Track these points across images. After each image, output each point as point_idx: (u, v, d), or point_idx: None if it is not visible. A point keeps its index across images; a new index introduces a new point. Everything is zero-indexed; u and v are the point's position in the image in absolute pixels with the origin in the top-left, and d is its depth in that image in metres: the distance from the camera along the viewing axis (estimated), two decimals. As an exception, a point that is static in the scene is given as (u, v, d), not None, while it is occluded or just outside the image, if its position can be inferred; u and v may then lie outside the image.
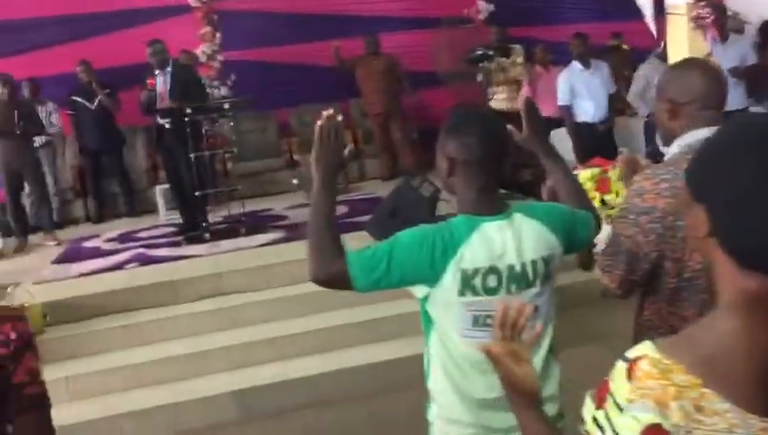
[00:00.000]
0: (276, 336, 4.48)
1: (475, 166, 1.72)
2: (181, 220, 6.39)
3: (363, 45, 8.17)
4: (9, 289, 4.40)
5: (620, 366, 0.96)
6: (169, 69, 6.04)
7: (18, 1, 8.29)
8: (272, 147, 8.68)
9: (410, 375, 4.14)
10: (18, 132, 6.50)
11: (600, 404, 0.97)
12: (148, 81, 5.98)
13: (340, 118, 1.82)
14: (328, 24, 8.87)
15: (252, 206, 7.06)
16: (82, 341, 4.45)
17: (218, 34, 8.57)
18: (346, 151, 1.82)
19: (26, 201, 7.04)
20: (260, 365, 4.34)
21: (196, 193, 5.91)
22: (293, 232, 5.88)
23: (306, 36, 8.83)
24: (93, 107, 7.68)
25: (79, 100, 7.71)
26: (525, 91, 6.72)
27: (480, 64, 6.25)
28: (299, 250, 5.27)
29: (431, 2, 9.03)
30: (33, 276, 5.43)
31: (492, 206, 1.74)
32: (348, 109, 9.11)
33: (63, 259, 5.95)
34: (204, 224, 6.01)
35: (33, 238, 6.82)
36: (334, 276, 1.71)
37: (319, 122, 1.79)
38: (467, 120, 1.78)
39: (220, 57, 8.59)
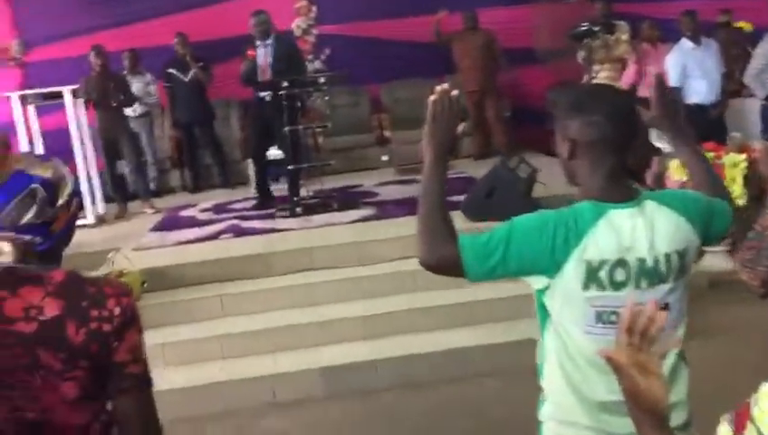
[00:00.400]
0: (366, 315, 4.44)
1: (601, 147, 1.58)
2: (257, 194, 6.40)
3: (461, 20, 7.98)
4: (110, 255, 4.53)
5: (766, 390, 0.82)
6: (270, 41, 6.03)
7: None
8: (363, 123, 8.64)
9: (501, 361, 4.06)
10: (114, 104, 6.68)
11: (738, 430, 0.84)
12: (249, 52, 5.97)
13: (455, 93, 1.70)
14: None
15: (342, 181, 7.06)
16: (178, 308, 4.54)
17: (314, 8, 8.55)
18: (460, 129, 1.70)
19: (125, 169, 7.29)
20: (349, 343, 4.32)
21: (290, 167, 5.92)
22: (385, 209, 5.82)
23: (401, 11, 8.69)
24: (187, 80, 7.82)
25: (174, 72, 7.86)
26: (632, 69, 6.39)
27: (584, 41, 5.97)
28: (391, 228, 5.23)
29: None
30: (133, 243, 5.59)
31: (621, 192, 1.59)
32: (441, 85, 8.96)
33: (161, 227, 6.10)
34: (295, 198, 6.03)
35: (132, 206, 7.04)
36: (445, 261, 1.61)
37: (432, 97, 1.68)
38: (592, 97, 1.64)
39: (315, 31, 8.58)
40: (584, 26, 5.84)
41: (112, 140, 6.80)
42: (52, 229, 1.48)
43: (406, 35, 8.79)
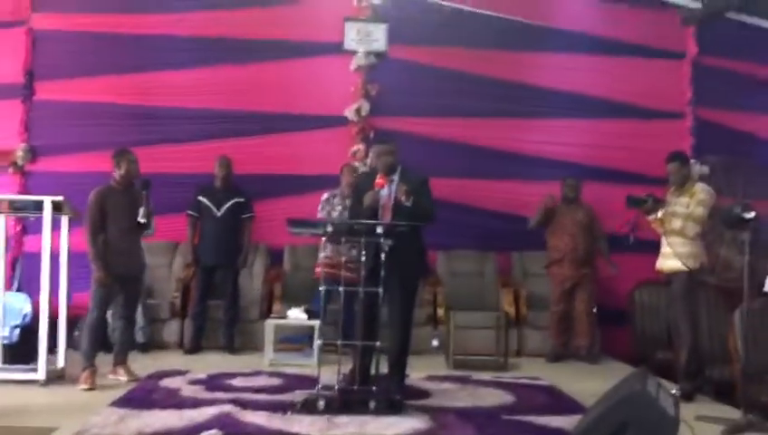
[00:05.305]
0: None
1: None
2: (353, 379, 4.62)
3: (560, 190, 6.70)
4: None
5: None
6: (396, 177, 4.58)
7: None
8: (413, 294, 7.03)
9: None
10: (140, 224, 5.09)
11: None
12: (378, 180, 4.52)
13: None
14: (500, 162, 7.44)
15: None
16: None
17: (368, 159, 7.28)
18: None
19: (110, 315, 5.65)
20: None
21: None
22: (443, 422, 4.07)
23: (475, 171, 7.41)
24: (220, 214, 6.43)
25: (205, 201, 6.49)
26: None
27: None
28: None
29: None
30: (81, 421, 3.88)
31: None
32: (509, 263, 7.44)
33: (126, 402, 4.37)
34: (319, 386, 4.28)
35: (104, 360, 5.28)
36: None
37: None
38: None
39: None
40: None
41: (118, 275, 5.07)
42: None
43: (474, 200, 7.42)
